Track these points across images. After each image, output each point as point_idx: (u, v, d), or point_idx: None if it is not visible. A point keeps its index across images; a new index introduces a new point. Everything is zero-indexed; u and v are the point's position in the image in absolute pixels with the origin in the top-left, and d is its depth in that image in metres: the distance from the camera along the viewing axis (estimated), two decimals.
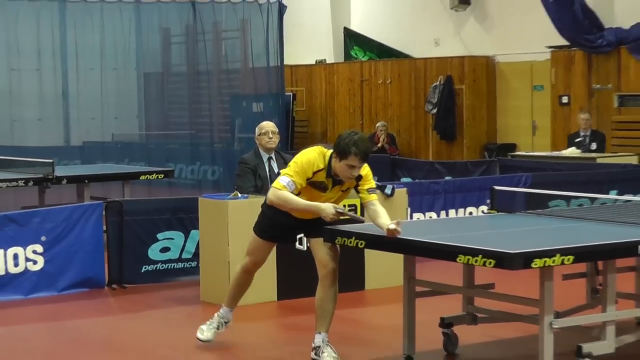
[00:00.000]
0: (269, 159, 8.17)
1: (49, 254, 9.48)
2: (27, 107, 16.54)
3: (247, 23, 18.36)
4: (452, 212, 11.92)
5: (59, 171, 12.30)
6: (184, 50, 18.72)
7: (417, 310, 6.86)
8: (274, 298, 8.88)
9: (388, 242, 6.36)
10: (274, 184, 6.18)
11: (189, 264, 9.92)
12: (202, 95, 18.23)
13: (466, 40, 19.73)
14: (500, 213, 8.47)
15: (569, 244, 5.85)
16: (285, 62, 19.44)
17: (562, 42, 17.11)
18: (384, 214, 6.29)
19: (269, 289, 8.81)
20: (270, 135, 7.99)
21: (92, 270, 9.80)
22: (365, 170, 6.36)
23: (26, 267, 9.39)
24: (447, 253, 5.98)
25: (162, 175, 13.68)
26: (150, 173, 13.53)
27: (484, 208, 11.42)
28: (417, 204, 11.30)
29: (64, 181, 12.38)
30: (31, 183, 12.02)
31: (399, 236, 6.07)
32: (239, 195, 8.00)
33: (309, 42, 22.48)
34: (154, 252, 9.98)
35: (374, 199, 6.44)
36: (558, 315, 6.41)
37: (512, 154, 16.69)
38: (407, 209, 10.38)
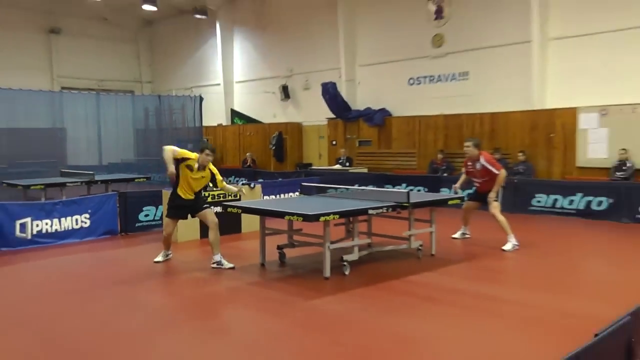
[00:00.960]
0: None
1: (92, 219, 10.82)
2: (82, 145, 20.04)
3: (184, 105, 22.54)
4: (282, 195, 13.53)
5: (97, 177, 14.38)
6: (155, 118, 22.56)
7: (266, 241, 8.49)
8: (198, 237, 10.46)
9: (252, 210, 7.89)
10: (169, 147, 7.74)
11: (158, 223, 11.18)
12: (163, 139, 19.45)
13: (288, 115, 23.20)
14: (304, 195, 10.55)
15: (337, 209, 7.38)
16: (204, 124, 23.36)
17: (332, 115, 20.43)
18: (231, 187, 8.26)
19: (195, 233, 10.41)
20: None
21: (112, 226, 11.20)
22: (216, 170, 7.99)
23: (81, 225, 10.75)
24: (280, 213, 7.27)
25: (145, 179, 15.78)
26: (140, 178, 15.65)
27: (297, 193, 13.27)
28: (267, 191, 12.94)
29: (99, 182, 14.30)
30: (83, 183, 14.16)
31: (255, 206, 7.79)
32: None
33: (214, 114, 25.32)
34: (141, 216, 11.48)
35: (223, 181, 8.20)
36: (332, 242, 7.71)
37: (310, 168, 19.55)
38: (261, 194, 12.21)
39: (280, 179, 15.24)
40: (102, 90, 23.76)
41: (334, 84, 19.77)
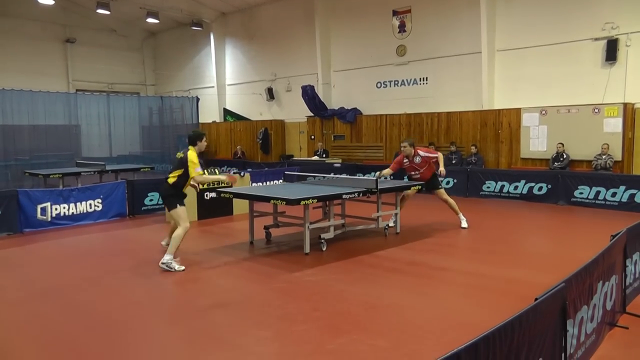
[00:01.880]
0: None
1: (104, 203, 10.76)
2: (94, 139, 19.63)
3: (183, 105, 22.23)
4: (268, 182, 13.05)
5: (107, 167, 14.38)
6: (158, 116, 22.19)
7: (254, 222, 8.45)
8: (196, 218, 10.44)
9: (242, 195, 7.78)
10: (195, 171, 6.69)
11: (161, 207, 11.13)
12: (165, 135, 21.75)
13: (273, 113, 22.69)
14: (287, 183, 10.44)
15: (315, 194, 7.29)
16: (200, 121, 23.03)
17: (311, 114, 19.85)
18: (220, 175, 7.55)
19: (194, 214, 10.38)
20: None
21: (121, 209, 11.06)
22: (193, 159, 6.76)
23: (94, 209, 10.62)
24: (266, 198, 7.19)
25: (150, 169, 15.65)
26: (145, 168, 15.55)
27: (281, 181, 13.04)
28: (255, 179, 12.91)
29: (109, 172, 14.25)
30: (96, 173, 14.07)
31: (245, 192, 7.61)
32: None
33: (209, 113, 24.81)
34: (146, 201, 11.39)
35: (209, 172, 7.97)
36: (311, 223, 7.55)
37: (292, 159, 19.09)
38: (250, 182, 12.13)
39: (266, 169, 14.94)
40: (111, 92, 23.67)
41: (312, 86, 19.54)
